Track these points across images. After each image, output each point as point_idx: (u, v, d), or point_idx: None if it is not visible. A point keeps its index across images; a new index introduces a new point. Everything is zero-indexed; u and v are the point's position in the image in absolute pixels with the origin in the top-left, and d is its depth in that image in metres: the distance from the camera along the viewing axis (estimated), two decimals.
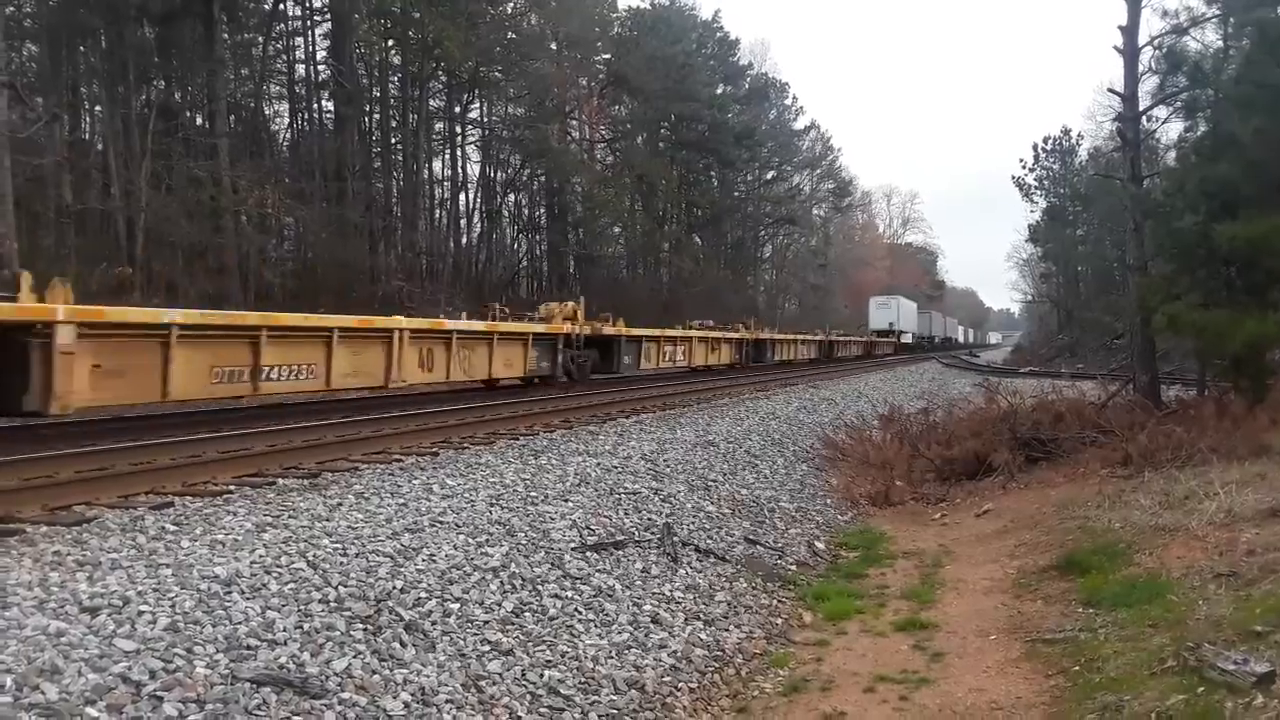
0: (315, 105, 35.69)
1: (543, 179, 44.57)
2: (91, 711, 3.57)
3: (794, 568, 8.44)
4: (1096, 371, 27.08)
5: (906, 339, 62.70)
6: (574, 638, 5.56)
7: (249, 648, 4.28)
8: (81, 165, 24.71)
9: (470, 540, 6.40)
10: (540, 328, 17.19)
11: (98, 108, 28.87)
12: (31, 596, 4.39)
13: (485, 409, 13.36)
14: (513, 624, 5.44)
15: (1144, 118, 17.59)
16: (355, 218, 30.37)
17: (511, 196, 44.98)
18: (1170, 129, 22.85)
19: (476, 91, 39.46)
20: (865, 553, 9.29)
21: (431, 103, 38.08)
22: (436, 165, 40.70)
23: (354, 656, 4.49)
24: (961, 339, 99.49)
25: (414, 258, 34.67)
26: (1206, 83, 16.21)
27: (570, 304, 19.30)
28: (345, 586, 5.14)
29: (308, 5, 34.22)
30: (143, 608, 4.40)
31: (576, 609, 5.92)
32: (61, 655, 3.85)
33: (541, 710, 4.74)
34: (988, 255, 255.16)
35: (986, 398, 17.16)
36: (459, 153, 40.76)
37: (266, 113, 34.28)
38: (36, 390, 8.05)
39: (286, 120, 36.08)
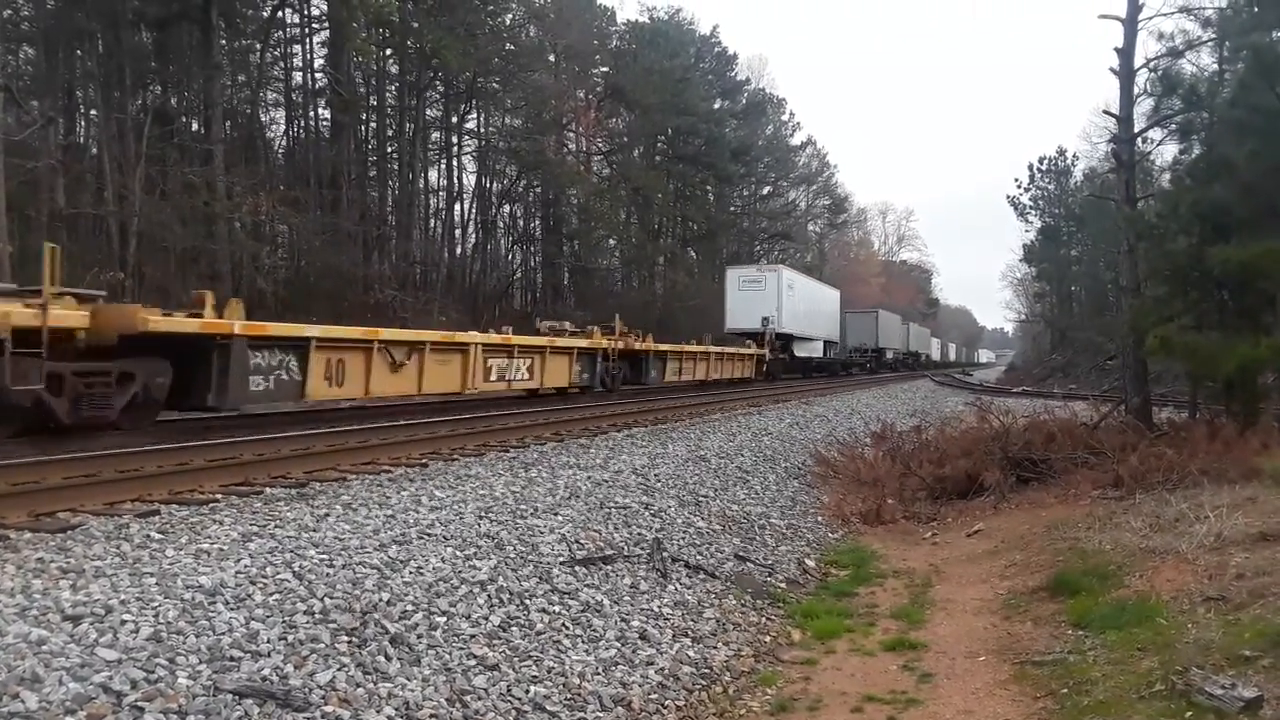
0: (312, 113, 35.75)
1: (538, 190, 44.69)
2: None
3: (784, 585, 8.40)
4: (1089, 392, 27.12)
5: (813, 350, 38.75)
6: (561, 653, 5.51)
7: (232, 659, 4.23)
8: (75, 169, 24.65)
9: (458, 553, 6.36)
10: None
11: (93, 112, 28.83)
12: (13, 604, 4.34)
13: (475, 420, 13.34)
14: (499, 638, 5.40)
15: (1139, 140, 17.70)
16: (350, 226, 30.36)
17: (507, 207, 45.09)
18: (1165, 151, 23.02)
19: (474, 102, 39.58)
20: (855, 571, 9.26)
21: (428, 112, 38.19)
22: (432, 175, 40.89)
23: (338, 669, 4.44)
24: (938, 356, 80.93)
25: (408, 267, 34.64)
26: (1201, 106, 16.32)
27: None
28: (331, 598, 5.09)
29: (306, 13, 34.28)
30: (125, 617, 4.36)
31: (564, 624, 5.88)
32: (42, 664, 3.81)
33: None
34: (982, 274, 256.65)
35: (979, 417, 17.14)
36: (455, 163, 40.93)
37: (262, 120, 34.30)
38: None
39: (282, 127, 36.14)
